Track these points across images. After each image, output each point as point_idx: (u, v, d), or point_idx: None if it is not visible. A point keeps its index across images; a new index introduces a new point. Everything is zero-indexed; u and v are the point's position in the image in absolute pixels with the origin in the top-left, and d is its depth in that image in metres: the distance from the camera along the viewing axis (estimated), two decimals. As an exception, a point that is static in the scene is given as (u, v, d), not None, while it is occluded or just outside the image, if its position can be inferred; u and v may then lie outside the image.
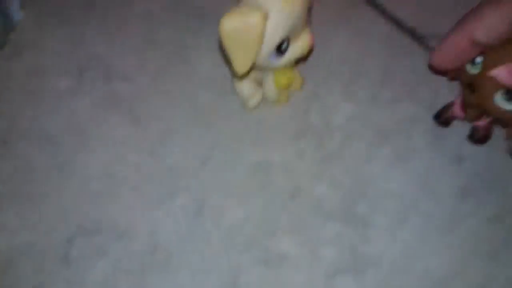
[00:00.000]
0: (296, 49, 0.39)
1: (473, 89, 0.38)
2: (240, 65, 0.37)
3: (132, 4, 0.52)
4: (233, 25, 0.34)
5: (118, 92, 0.46)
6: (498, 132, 0.44)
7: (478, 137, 0.44)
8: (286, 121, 0.45)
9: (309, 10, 0.39)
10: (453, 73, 0.42)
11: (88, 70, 0.48)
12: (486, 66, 0.37)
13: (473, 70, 0.38)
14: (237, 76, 0.42)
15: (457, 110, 0.43)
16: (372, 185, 0.42)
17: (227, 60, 0.44)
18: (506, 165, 0.43)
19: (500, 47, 0.36)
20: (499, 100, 0.37)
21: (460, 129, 0.44)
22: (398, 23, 0.51)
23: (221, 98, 0.46)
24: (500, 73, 0.36)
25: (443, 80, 0.47)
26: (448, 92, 0.46)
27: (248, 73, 0.41)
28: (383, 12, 0.52)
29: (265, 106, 0.45)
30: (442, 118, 0.44)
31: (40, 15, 0.51)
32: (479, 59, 0.37)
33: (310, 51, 0.42)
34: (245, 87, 0.43)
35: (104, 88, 0.46)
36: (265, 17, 0.34)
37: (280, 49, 0.37)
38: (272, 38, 0.36)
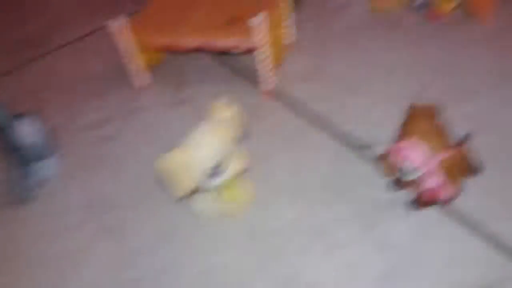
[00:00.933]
0: (229, 171, 0.50)
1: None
2: (181, 190, 0.49)
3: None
4: (169, 161, 0.47)
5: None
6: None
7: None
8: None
9: (242, 138, 0.51)
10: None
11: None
12: None
13: None
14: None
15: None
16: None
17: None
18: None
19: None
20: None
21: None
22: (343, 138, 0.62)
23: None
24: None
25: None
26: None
27: (190, 193, 0.52)
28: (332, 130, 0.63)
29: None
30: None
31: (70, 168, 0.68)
32: None
33: (242, 172, 0.53)
34: (201, 203, 0.55)
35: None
36: (194, 151, 0.47)
37: (215, 172, 0.49)
38: (204, 165, 0.48)
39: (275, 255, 0.51)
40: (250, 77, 0.77)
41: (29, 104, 0.81)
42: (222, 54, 0.80)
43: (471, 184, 0.52)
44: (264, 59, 0.67)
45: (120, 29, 0.70)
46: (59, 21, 1.04)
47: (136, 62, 0.76)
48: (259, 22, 0.62)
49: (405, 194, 0.54)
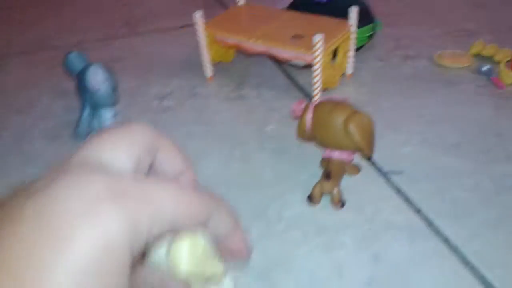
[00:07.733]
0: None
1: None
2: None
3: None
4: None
5: None
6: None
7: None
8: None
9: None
10: None
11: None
12: None
13: None
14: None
15: None
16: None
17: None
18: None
19: None
20: None
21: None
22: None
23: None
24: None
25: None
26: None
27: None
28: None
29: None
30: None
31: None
32: None
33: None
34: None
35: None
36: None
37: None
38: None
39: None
40: (306, 92, 0.83)
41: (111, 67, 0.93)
42: (285, 63, 0.87)
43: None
44: (316, 76, 0.73)
45: (199, 21, 0.80)
46: (157, 11, 1.20)
47: (206, 55, 0.85)
48: (319, 40, 0.68)
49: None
